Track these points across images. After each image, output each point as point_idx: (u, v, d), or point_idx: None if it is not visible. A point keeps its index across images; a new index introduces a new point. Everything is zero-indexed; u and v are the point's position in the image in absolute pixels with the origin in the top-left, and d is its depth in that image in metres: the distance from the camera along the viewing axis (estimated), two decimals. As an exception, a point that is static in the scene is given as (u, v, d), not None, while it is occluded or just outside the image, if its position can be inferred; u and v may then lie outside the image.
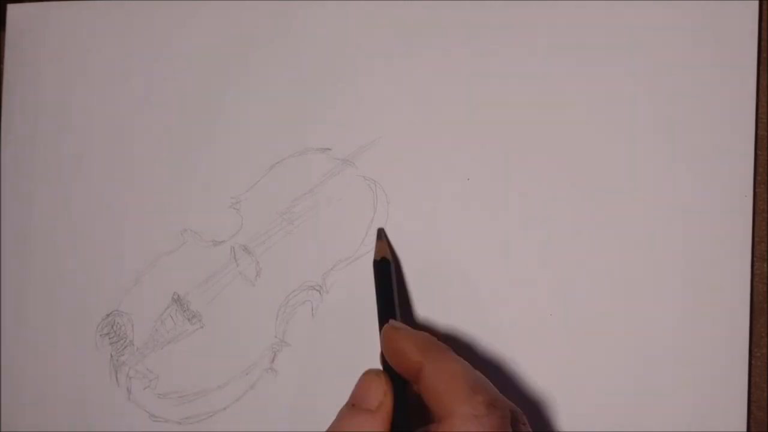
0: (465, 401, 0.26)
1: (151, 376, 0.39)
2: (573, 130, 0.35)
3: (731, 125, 0.34)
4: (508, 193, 0.36)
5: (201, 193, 0.39)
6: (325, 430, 0.28)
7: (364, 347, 0.36)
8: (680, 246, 0.34)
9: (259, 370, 0.37)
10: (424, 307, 0.36)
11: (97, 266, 0.40)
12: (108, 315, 0.39)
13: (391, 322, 0.31)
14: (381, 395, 0.28)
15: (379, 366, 0.31)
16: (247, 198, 0.38)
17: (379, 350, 0.31)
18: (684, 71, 0.34)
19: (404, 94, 0.37)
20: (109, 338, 0.39)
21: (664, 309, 0.34)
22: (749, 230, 0.34)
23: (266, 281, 0.38)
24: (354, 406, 0.29)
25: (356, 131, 0.37)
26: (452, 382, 0.27)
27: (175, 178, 0.39)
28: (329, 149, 0.38)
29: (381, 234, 0.36)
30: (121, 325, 0.39)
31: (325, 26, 0.38)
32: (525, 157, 0.36)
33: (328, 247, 0.37)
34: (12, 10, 0.42)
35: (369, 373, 0.30)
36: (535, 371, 0.35)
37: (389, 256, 0.35)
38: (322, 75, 0.38)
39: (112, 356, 0.39)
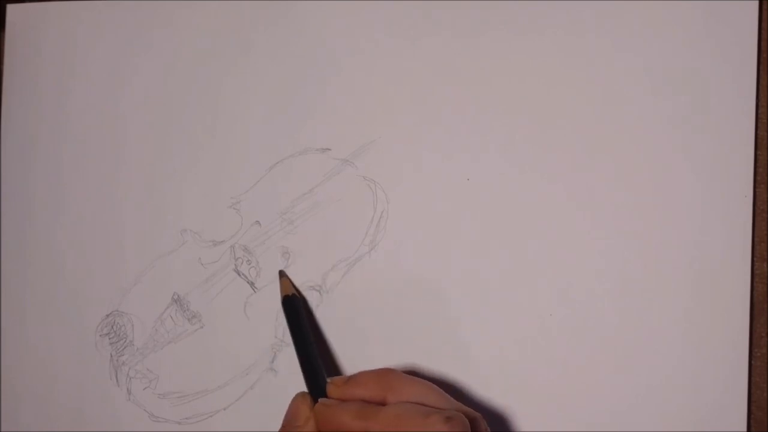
0: (422, 429, 0.27)
1: (151, 376, 0.39)
2: (573, 130, 0.35)
3: (731, 125, 0.34)
4: (508, 193, 0.36)
5: (201, 193, 0.39)
6: None
7: (364, 347, 0.36)
8: (680, 246, 0.34)
9: (259, 370, 0.37)
10: (423, 308, 0.36)
11: (97, 266, 0.40)
12: (108, 315, 0.39)
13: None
14: (307, 412, 0.30)
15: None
16: (247, 198, 0.38)
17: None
18: (684, 71, 0.34)
19: (404, 94, 0.37)
20: (109, 338, 0.39)
21: (664, 309, 0.34)
22: (749, 230, 0.34)
23: (266, 281, 0.38)
24: (284, 428, 0.31)
25: (356, 131, 0.37)
26: (401, 422, 0.27)
27: (175, 178, 0.39)
28: (329, 149, 0.38)
29: (282, 274, 0.37)
30: (121, 325, 0.39)
31: (325, 26, 0.38)
32: (525, 157, 0.36)
33: (328, 247, 0.37)
34: (12, 10, 0.42)
35: (295, 398, 0.32)
36: (535, 371, 0.35)
37: (297, 293, 0.36)
38: (322, 75, 0.38)
39: (112, 356, 0.39)
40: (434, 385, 0.30)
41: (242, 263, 0.38)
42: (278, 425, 0.33)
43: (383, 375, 0.31)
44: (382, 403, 0.29)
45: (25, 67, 0.41)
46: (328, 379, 0.32)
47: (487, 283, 0.35)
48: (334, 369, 0.36)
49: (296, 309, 0.35)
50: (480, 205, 0.36)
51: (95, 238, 0.40)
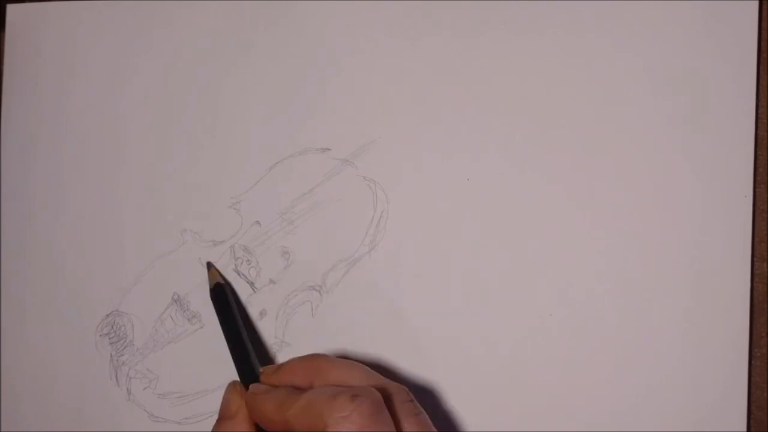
0: (329, 411, 0.27)
1: (151, 376, 0.39)
2: (572, 130, 0.35)
3: (731, 125, 0.34)
4: (508, 193, 0.36)
5: (201, 193, 0.39)
6: None
7: (363, 347, 0.36)
8: (680, 246, 0.34)
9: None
10: (422, 308, 0.36)
11: (97, 266, 0.40)
12: (108, 315, 0.39)
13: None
14: (238, 401, 0.32)
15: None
16: (247, 198, 0.38)
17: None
18: (684, 71, 0.34)
19: (404, 94, 0.37)
20: (109, 338, 0.39)
21: (664, 309, 0.34)
22: (749, 230, 0.34)
23: (266, 281, 0.38)
24: (219, 418, 0.32)
25: (356, 131, 0.37)
26: (311, 408, 0.28)
27: (175, 178, 0.39)
28: (329, 149, 0.38)
29: (210, 265, 0.38)
30: (121, 325, 0.39)
31: (326, 26, 0.38)
32: (525, 157, 0.36)
33: (328, 247, 0.37)
34: (12, 10, 0.42)
35: (227, 388, 0.33)
36: (535, 371, 0.35)
37: (222, 281, 0.37)
38: (322, 75, 0.38)
39: (112, 356, 0.39)
40: (359, 364, 0.31)
41: (242, 263, 0.38)
42: (278, 425, 0.34)
43: (310, 360, 0.31)
44: (283, 421, 0.29)
45: (25, 67, 0.41)
46: (261, 369, 0.33)
47: (487, 283, 0.35)
48: (265, 357, 0.37)
49: (225, 297, 0.36)
50: (480, 205, 0.36)
51: (95, 238, 0.40)
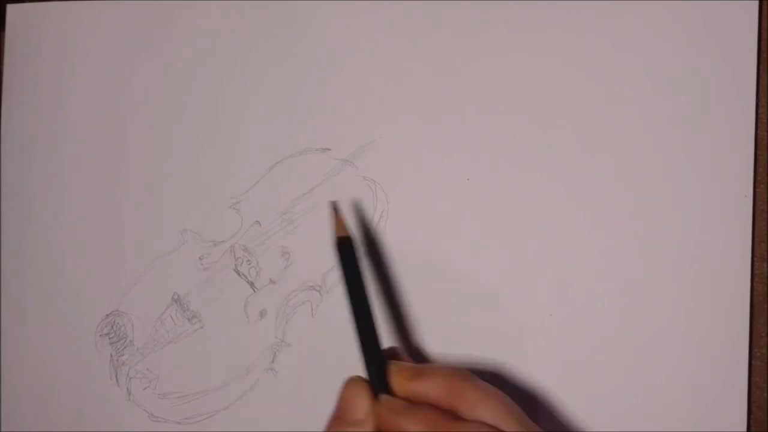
0: None
1: (151, 376, 0.39)
2: (573, 130, 0.35)
3: (731, 125, 0.34)
4: (508, 193, 0.36)
5: (201, 193, 0.39)
6: None
7: (364, 347, 0.36)
8: (680, 246, 0.34)
9: (259, 370, 0.37)
10: (423, 308, 0.36)
11: (97, 266, 0.40)
12: (108, 315, 0.39)
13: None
14: (366, 406, 0.26)
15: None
16: (247, 198, 0.38)
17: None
18: (684, 71, 0.34)
19: (404, 94, 0.37)
20: (109, 338, 0.39)
21: (664, 309, 0.34)
22: (749, 230, 0.34)
23: (266, 281, 0.38)
24: (339, 419, 0.27)
25: (356, 131, 0.37)
26: None
27: (175, 178, 0.39)
28: (329, 149, 0.38)
29: (336, 207, 0.31)
30: (121, 325, 0.39)
31: (326, 26, 0.38)
32: (525, 157, 0.36)
33: (328, 247, 0.37)
34: (12, 10, 0.42)
35: (351, 382, 0.27)
36: (536, 371, 0.35)
37: (348, 234, 0.29)
38: (323, 75, 0.38)
39: (112, 356, 0.39)
40: (510, 403, 0.27)
41: (242, 263, 0.38)
42: (278, 425, 0.33)
43: (455, 380, 0.27)
44: (451, 411, 0.26)
45: (25, 67, 0.41)
46: (392, 365, 0.27)
47: (486, 282, 0.35)
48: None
49: (353, 255, 0.28)
50: (480, 205, 0.36)
51: (95, 238, 0.40)
